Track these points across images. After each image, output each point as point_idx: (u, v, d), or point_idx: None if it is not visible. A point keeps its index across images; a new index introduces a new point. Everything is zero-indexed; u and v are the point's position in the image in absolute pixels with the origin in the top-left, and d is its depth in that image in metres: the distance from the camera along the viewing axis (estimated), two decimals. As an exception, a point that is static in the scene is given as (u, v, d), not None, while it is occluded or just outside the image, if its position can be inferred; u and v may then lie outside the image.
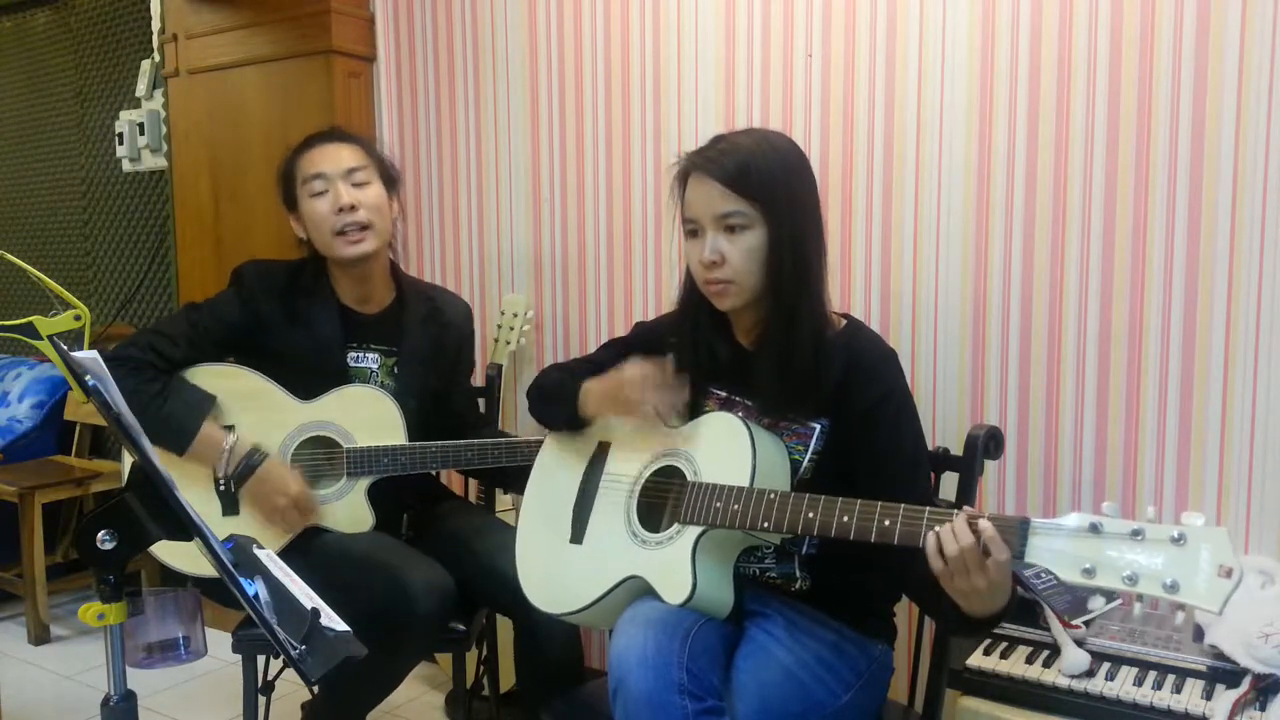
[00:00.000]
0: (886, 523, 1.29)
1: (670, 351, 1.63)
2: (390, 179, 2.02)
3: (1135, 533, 1.11)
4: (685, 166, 1.53)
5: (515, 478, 2.03)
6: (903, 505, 1.29)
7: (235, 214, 2.94)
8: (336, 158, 1.95)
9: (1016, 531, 1.19)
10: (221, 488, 1.90)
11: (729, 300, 1.51)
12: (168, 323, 1.95)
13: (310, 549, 1.84)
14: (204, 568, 1.84)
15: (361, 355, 2.01)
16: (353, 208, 1.91)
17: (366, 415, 1.94)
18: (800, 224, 1.49)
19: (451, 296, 2.19)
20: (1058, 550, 1.15)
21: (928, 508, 1.27)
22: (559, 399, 1.69)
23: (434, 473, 2.22)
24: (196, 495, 1.87)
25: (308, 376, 1.94)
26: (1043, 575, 1.73)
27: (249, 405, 1.92)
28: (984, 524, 1.20)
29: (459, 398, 2.17)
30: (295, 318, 1.96)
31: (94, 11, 3.65)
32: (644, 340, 1.74)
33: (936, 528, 1.24)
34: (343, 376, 1.97)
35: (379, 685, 1.89)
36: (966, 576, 1.22)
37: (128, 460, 1.97)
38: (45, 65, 3.85)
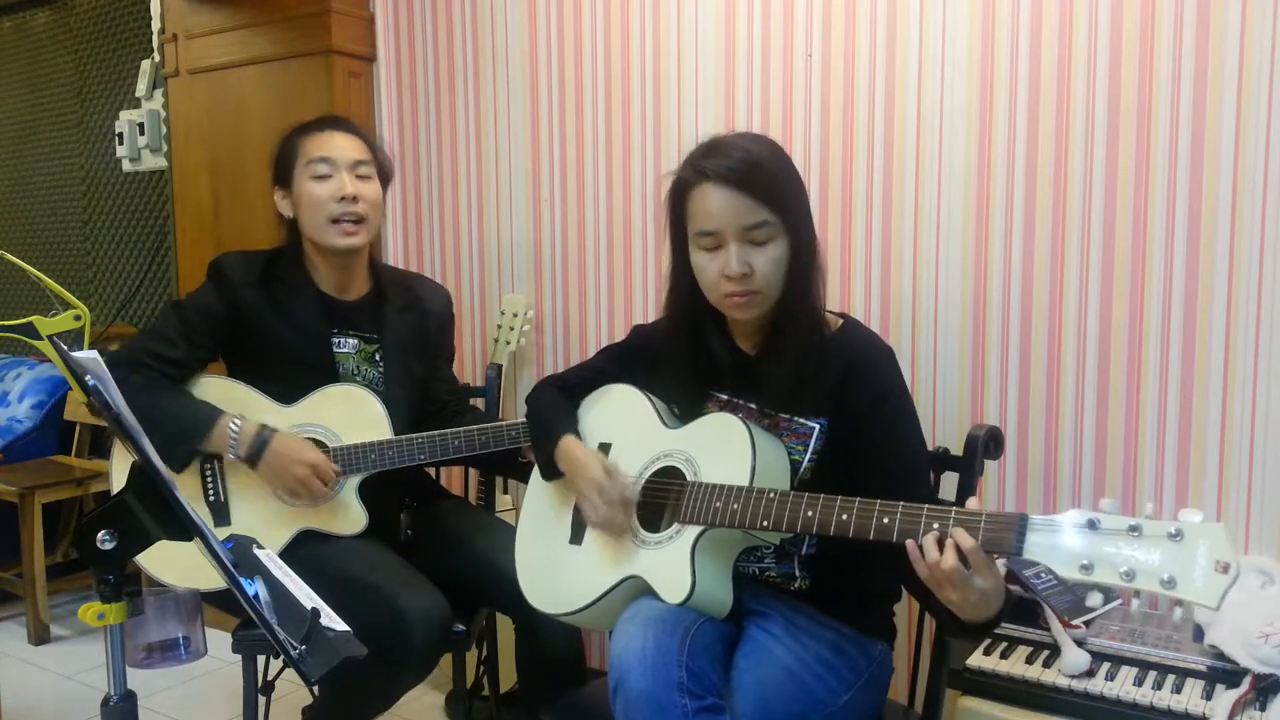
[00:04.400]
0: (885, 520, 1.29)
1: (669, 359, 1.63)
2: (385, 176, 2.05)
3: (1133, 529, 1.11)
4: (690, 177, 1.48)
5: (514, 465, 2.03)
6: (901, 503, 1.29)
7: (235, 214, 2.94)
8: (345, 147, 1.97)
9: (1014, 528, 1.19)
10: (211, 498, 1.90)
11: (754, 310, 1.49)
12: (158, 323, 1.94)
13: (304, 568, 1.80)
14: (199, 580, 1.84)
15: (341, 341, 2.01)
16: (355, 199, 1.94)
17: (351, 413, 1.94)
18: (809, 229, 1.50)
19: (430, 283, 2.19)
20: (1055, 547, 1.15)
21: (926, 505, 1.27)
22: (542, 440, 1.69)
23: (431, 471, 2.22)
24: None
25: (294, 365, 1.94)
26: (1042, 575, 1.73)
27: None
28: (967, 543, 1.21)
29: (441, 384, 2.17)
30: (276, 305, 1.95)
31: (94, 11, 3.65)
32: (642, 344, 1.74)
33: (922, 539, 1.24)
34: (328, 362, 1.98)
35: (374, 704, 1.88)
36: (953, 589, 1.22)
37: (116, 462, 1.94)
38: (45, 65, 3.85)
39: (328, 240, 1.95)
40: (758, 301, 1.48)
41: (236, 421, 1.85)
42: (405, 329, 2.06)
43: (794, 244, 1.47)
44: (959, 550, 1.21)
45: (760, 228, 1.44)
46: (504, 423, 1.99)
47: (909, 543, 1.24)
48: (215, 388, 1.93)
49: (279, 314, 1.95)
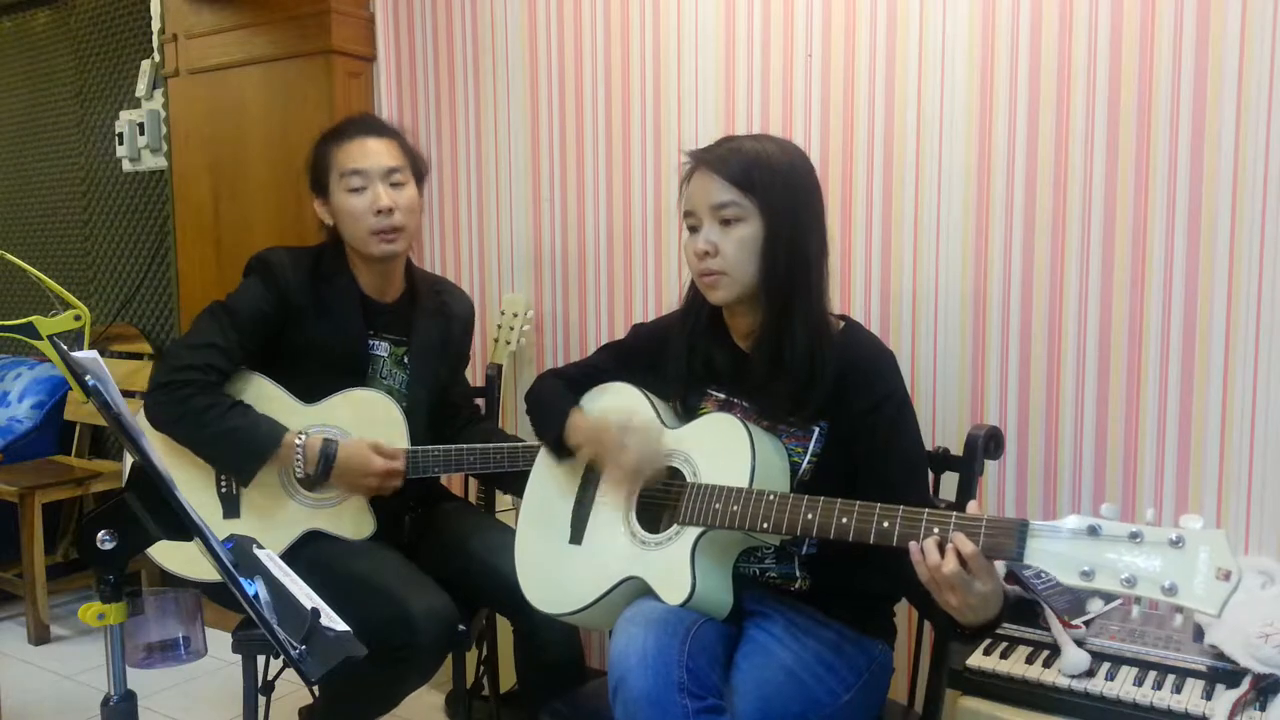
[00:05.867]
0: (885, 524, 1.29)
1: (669, 357, 1.63)
2: (420, 175, 2.03)
3: (1134, 535, 1.11)
4: (691, 164, 1.54)
5: (514, 479, 2.03)
6: (901, 507, 1.29)
7: (235, 214, 2.94)
8: (377, 155, 1.94)
9: (1015, 534, 1.19)
10: (223, 490, 1.90)
11: (720, 292, 1.51)
12: (212, 332, 1.89)
13: (310, 566, 1.80)
14: (204, 571, 1.84)
15: (376, 344, 2.01)
16: (391, 210, 1.92)
17: (369, 418, 1.94)
18: (799, 223, 1.49)
19: (456, 289, 2.20)
20: (1056, 553, 1.15)
21: (926, 510, 1.27)
22: (549, 421, 1.69)
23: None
24: (197, 499, 1.87)
25: (328, 364, 1.94)
26: (1042, 575, 1.73)
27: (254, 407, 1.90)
28: (967, 548, 1.21)
29: (457, 389, 2.18)
30: (321, 305, 1.95)
31: (94, 11, 3.65)
32: (641, 343, 1.75)
33: (924, 541, 1.24)
34: (363, 365, 1.98)
35: (376, 706, 1.88)
36: (953, 592, 1.23)
37: (129, 460, 1.97)
38: (45, 65, 3.85)
39: (369, 250, 1.94)
40: (725, 283, 1.50)
41: (301, 437, 1.85)
42: (433, 332, 2.07)
43: (769, 231, 1.47)
44: (959, 555, 1.21)
45: (728, 208, 1.48)
46: (520, 443, 1.99)
47: (911, 544, 1.24)
48: (239, 381, 1.92)
49: (323, 314, 1.95)
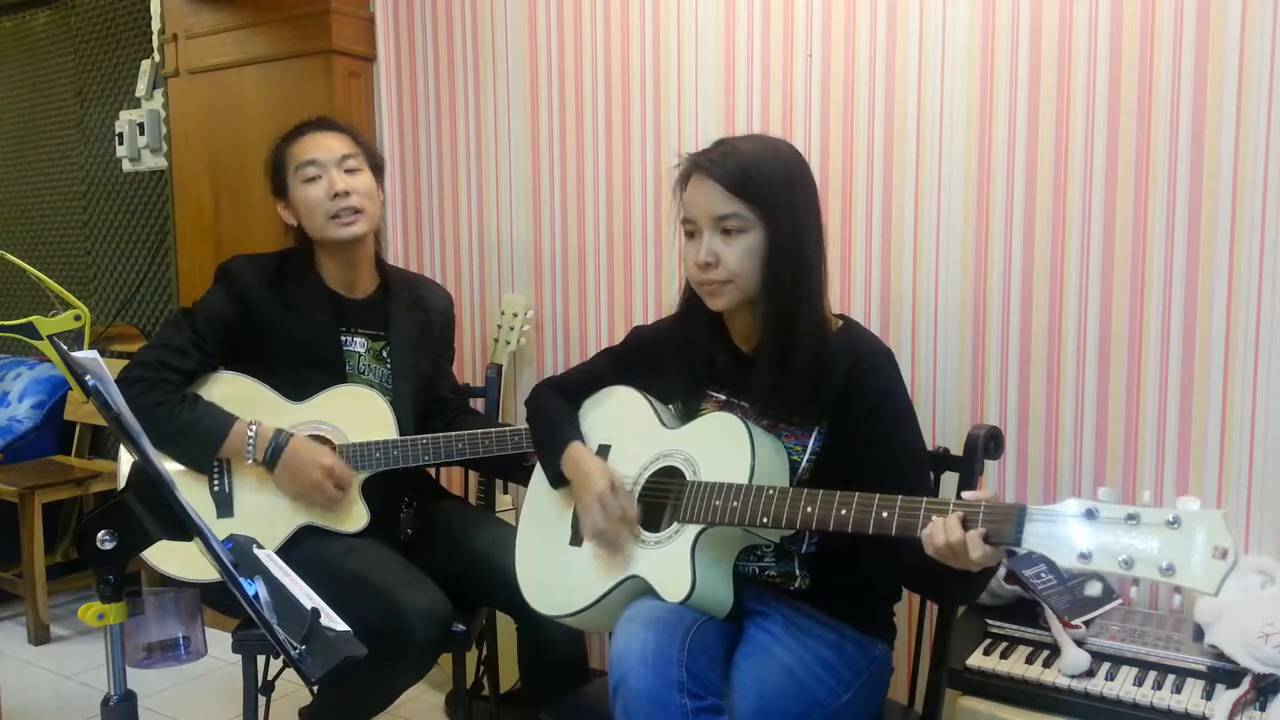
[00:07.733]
0: (884, 514, 1.29)
1: (669, 360, 1.63)
2: (377, 166, 2.06)
3: (1130, 517, 1.11)
4: (687, 168, 1.54)
5: (516, 468, 2.04)
6: (900, 497, 1.29)
7: (235, 214, 2.94)
8: (328, 145, 1.99)
9: (1013, 519, 1.19)
10: (216, 488, 1.91)
11: (723, 300, 1.51)
12: (168, 334, 1.95)
13: (304, 563, 1.78)
14: (200, 573, 1.84)
15: (350, 339, 2.03)
16: (346, 193, 1.95)
17: (358, 413, 1.95)
18: (799, 228, 1.49)
19: (433, 284, 2.23)
20: (1054, 536, 1.15)
21: (925, 499, 1.28)
22: (548, 450, 1.68)
23: (431, 472, 2.23)
24: (191, 498, 1.87)
25: (305, 364, 1.96)
26: (1043, 575, 1.73)
27: (242, 411, 1.91)
28: (973, 541, 1.21)
29: (444, 382, 2.19)
30: (286, 306, 1.97)
31: (94, 11, 3.65)
32: (641, 346, 1.74)
33: (934, 518, 1.25)
34: (338, 361, 2.00)
35: (373, 702, 1.89)
36: (956, 560, 1.23)
37: (124, 460, 1.97)
38: (45, 65, 3.85)
39: (330, 235, 1.97)
40: (728, 291, 1.50)
41: (253, 426, 1.88)
42: (411, 326, 2.09)
43: (772, 239, 1.47)
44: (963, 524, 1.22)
45: (730, 219, 1.47)
46: (507, 428, 2.00)
47: (936, 519, 1.24)
48: (227, 385, 1.94)
49: (290, 313, 1.97)
